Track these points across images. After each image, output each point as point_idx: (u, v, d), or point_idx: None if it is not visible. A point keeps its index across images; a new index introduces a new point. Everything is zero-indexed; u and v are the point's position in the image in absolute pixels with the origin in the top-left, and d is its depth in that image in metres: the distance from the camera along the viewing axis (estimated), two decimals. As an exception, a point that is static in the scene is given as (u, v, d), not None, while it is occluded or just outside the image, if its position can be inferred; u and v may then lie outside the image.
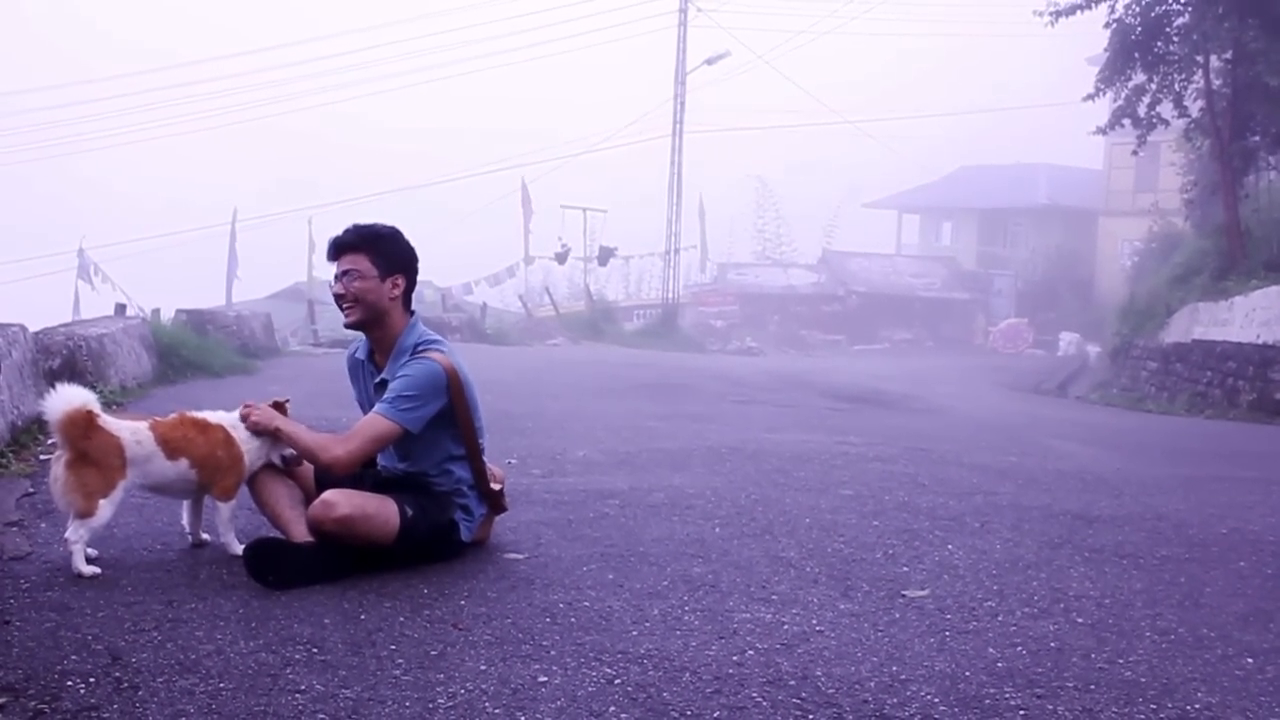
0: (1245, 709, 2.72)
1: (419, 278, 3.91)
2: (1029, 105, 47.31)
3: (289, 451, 3.76)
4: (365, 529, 3.55)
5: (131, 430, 3.57)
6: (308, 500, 3.68)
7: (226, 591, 3.38)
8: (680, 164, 29.87)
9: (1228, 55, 15.96)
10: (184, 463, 3.63)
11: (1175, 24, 16.54)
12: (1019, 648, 3.11)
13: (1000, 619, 3.38)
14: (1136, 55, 16.70)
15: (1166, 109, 16.96)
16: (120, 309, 14.05)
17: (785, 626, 3.22)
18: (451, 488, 3.84)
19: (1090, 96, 17.37)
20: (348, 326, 3.89)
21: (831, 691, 2.73)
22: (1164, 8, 16.59)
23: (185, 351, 10.57)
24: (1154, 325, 17.61)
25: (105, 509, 3.47)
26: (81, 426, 3.44)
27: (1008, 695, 2.74)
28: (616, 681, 2.75)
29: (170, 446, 3.61)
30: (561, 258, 32.41)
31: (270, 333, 15.14)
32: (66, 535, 3.48)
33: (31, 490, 4.69)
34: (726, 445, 6.89)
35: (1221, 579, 3.98)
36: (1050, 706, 2.68)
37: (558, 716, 2.53)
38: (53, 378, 6.64)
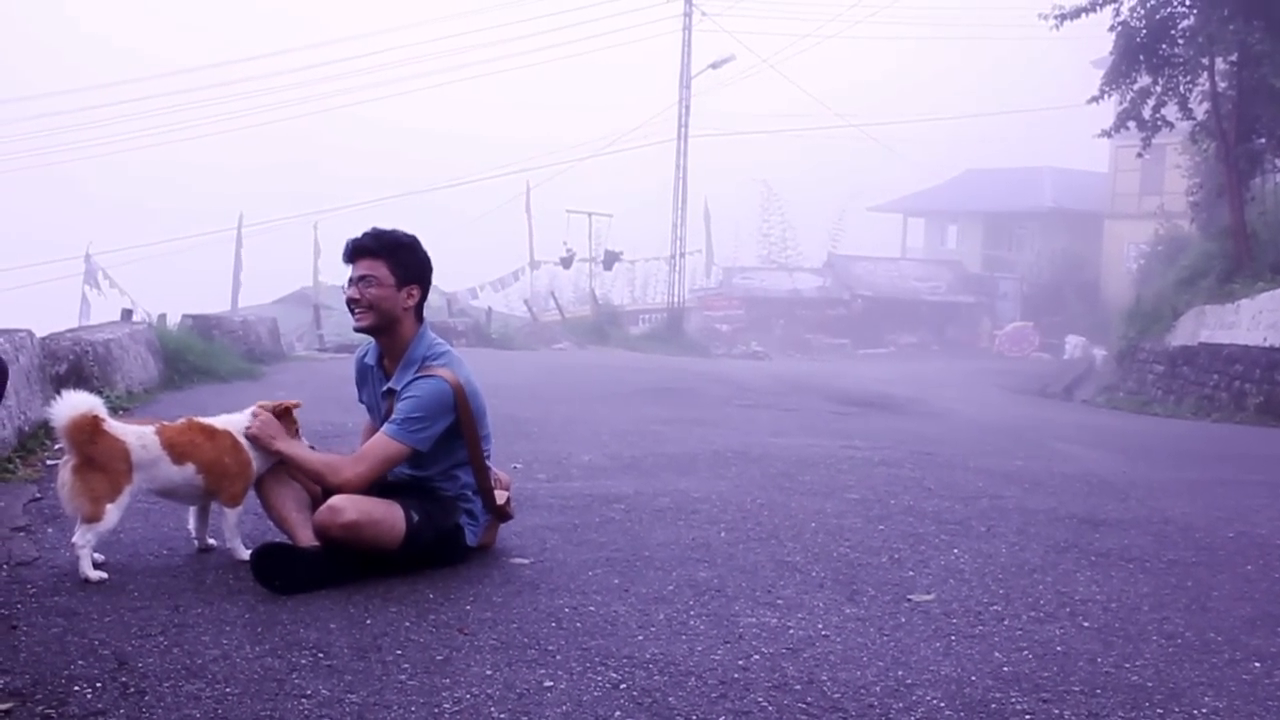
0: (1253, 714, 2.71)
1: None
2: (1034, 108, 47.29)
3: None
4: (371, 534, 3.55)
5: (138, 435, 3.58)
6: (314, 504, 3.69)
7: (233, 596, 3.38)
8: (685, 168, 29.88)
9: (1233, 57, 15.92)
10: (190, 468, 3.64)
11: (1180, 26, 16.52)
12: (1025, 652, 3.11)
13: (1006, 623, 3.37)
14: (1141, 58, 16.67)
15: (1171, 111, 16.93)
16: (127, 314, 14.08)
17: (791, 631, 3.22)
18: (457, 493, 3.85)
19: (1095, 99, 17.35)
20: (358, 330, 3.89)
21: (837, 696, 2.73)
22: (1169, 10, 16.57)
23: (191, 357, 10.58)
24: (1160, 328, 17.57)
25: (112, 514, 3.48)
26: (88, 432, 3.45)
27: (1014, 700, 2.74)
28: (622, 686, 2.75)
29: (177, 451, 3.62)
30: (567, 262, 32.46)
31: (276, 338, 15.17)
32: (74, 540, 3.49)
33: (38, 495, 4.70)
34: (732, 450, 6.88)
35: (1228, 583, 3.98)
36: (1056, 711, 2.68)
37: (563, 721, 2.53)
38: (59, 383, 6.66)
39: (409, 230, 3.91)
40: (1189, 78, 16.62)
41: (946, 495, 5.51)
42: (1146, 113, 17.02)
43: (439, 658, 2.91)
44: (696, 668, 2.89)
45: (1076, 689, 2.83)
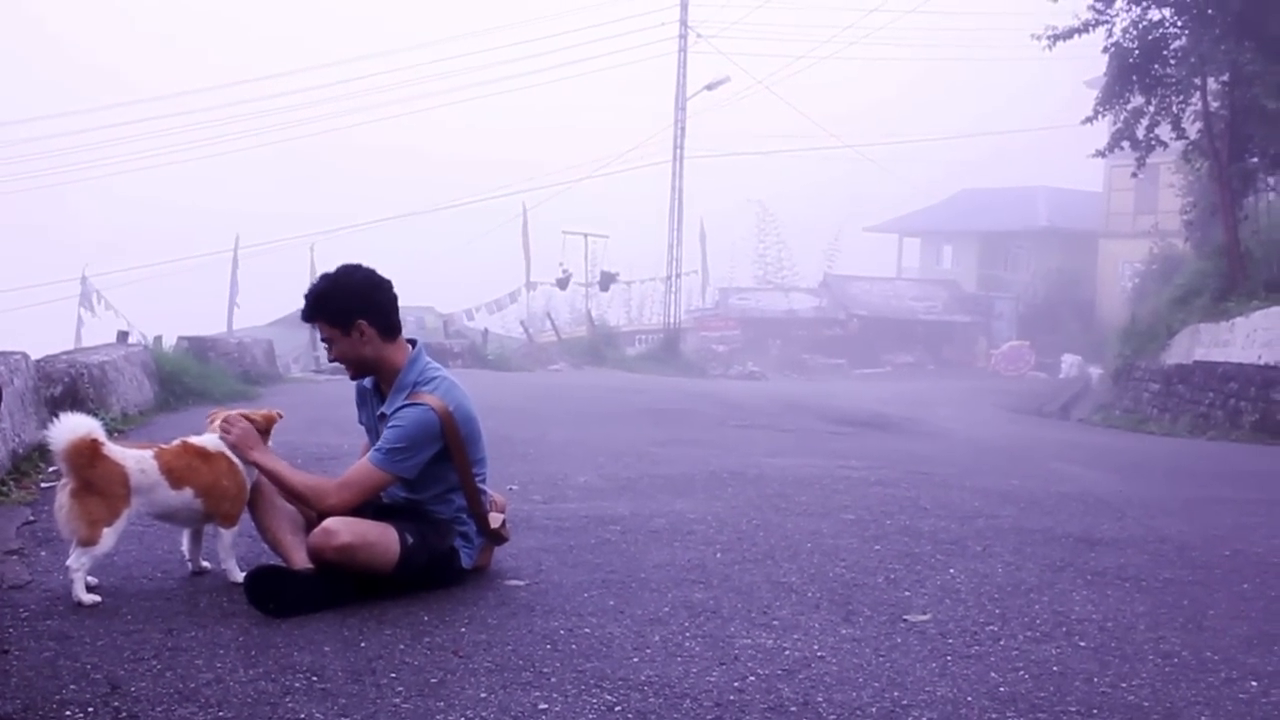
0: (1249, 733, 2.71)
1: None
2: (1028, 128, 47.60)
3: None
4: (366, 557, 3.55)
5: (136, 459, 3.58)
6: (308, 527, 3.69)
7: (226, 619, 3.37)
8: (681, 189, 29.96)
9: (1225, 77, 16.02)
10: (189, 492, 3.64)
11: (1172, 47, 16.61)
12: (1021, 672, 3.10)
13: (1002, 643, 3.37)
14: (1134, 78, 16.76)
15: (1165, 131, 17.00)
16: (122, 336, 14.04)
17: (786, 652, 3.22)
18: (452, 515, 3.84)
19: (1089, 119, 17.42)
20: (352, 379, 3.98)
21: (833, 718, 2.72)
22: (1161, 31, 16.67)
23: (187, 379, 10.58)
24: (1155, 347, 17.60)
25: (109, 537, 3.47)
26: (87, 455, 3.45)
27: (1010, 720, 2.73)
28: (617, 709, 2.74)
29: (175, 475, 3.62)
30: (563, 283, 32.46)
31: (272, 359, 15.17)
32: (68, 563, 3.48)
33: (32, 518, 4.69)
34: (728, 470, 6.88)
35: (1225, 601, 3.97)
36: (1053, 731, 2.67)
37: (558, 744, 2.53)
38: (54, 405, 6.66)
39: (355, 261, 3.90)
40: (1182, 98, 16.70)
41: (942, 515, 5.50)
42: (1140, 132, 17.10)
43: (434, 680, 2.90)
44: (692, 689, 2.88)
45: (1073, 709, 2.82)
